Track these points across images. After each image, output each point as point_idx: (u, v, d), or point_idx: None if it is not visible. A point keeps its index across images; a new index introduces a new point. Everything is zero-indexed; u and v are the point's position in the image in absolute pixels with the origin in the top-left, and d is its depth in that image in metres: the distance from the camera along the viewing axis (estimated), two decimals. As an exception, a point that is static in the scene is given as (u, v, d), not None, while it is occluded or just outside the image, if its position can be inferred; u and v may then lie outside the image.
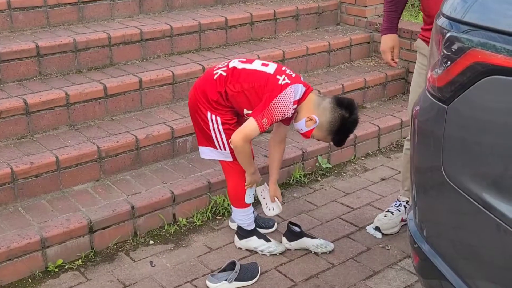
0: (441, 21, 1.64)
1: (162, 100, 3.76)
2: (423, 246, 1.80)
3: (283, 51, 4.28)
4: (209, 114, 2.79)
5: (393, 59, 3.19)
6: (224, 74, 2.76)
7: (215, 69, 2.82)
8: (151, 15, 4.41)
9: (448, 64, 1.58)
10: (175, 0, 4.55)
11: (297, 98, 2.71)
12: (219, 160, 2.93)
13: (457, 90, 1.55)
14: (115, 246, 2.97)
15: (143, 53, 4.00)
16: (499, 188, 1.45)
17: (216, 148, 2.85)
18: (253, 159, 2.88)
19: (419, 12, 5.11)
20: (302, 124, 2.77)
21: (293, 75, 2.78)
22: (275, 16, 4.65)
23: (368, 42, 4.86)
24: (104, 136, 3.33)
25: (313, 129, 2.75)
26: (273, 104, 2.65)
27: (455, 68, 1.55)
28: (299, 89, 2.72)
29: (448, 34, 1.58)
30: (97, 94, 3.48)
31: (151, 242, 3.03)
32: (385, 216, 3.16)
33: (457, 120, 1.57)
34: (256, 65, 2.80)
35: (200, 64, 3.90)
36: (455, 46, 1.56)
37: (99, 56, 3.82)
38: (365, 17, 4.92)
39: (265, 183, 3.04)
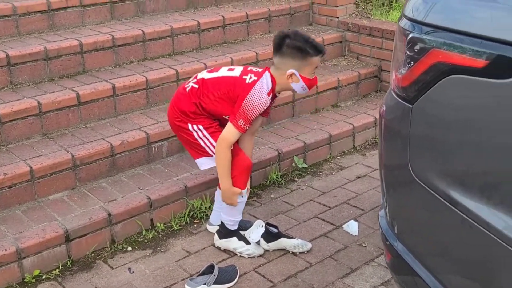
0: (403, 23, 1.68)
1: (136, 105, 3.76)
2: (394, 243, 1.83)
3: (256, 53, 4.30)
4: (189, 125, 2.87)
5: None
6: (196, 86, 2.87)
7: (186, 84, 2.94)
8: (123, 21, 4.40)
9: (411, 65, 1.62)
10: (146, 5, 4.54)
11: (270, 86, 2.80)
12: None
13: (421, 89, 1.58)
14: (92, 254, 2.96)
15: (116, 59, 3.99)
16: (464, 184, 1.49)
17: (210, 155, 2.90)
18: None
19: (389, 11, 5.17)
20: (296, 86, 2.83)
21: (260, 70, 2.87)
22: (247, 18, 4.67)
23: (341, 42, 4.90)
24: (78, 144, 3.32)
25: (301, 75, 2.79)
26: (246, 103, 2.73)
27: (418, 68, 1.58)
28: (268, 78, 2.81)
29: (410, 35, 1.62)
30: (70, 102, 3.46)
31: (129, 248, 3.03)
32: None
33: (422, 118, 1.61)
34: (223, 71, 2.89)
35: (173, 69, 3.91)
36: (417, 47, 1.59)
37: (71, 63, 3.80)
38: (337, 17, 4.96)
39: (262, 223, 3.07)
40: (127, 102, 3.71)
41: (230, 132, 2.76)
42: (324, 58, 4.77)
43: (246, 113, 2.73)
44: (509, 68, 1.34)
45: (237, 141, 2.93)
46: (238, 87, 2.78)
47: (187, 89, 2.88)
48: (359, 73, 4.60)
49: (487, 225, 1.42)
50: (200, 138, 2.87)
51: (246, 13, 4.66)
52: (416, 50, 1.60)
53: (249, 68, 2.89)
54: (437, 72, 1.52)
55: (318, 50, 2.78)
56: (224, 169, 2.82)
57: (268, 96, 2.78)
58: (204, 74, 2.90)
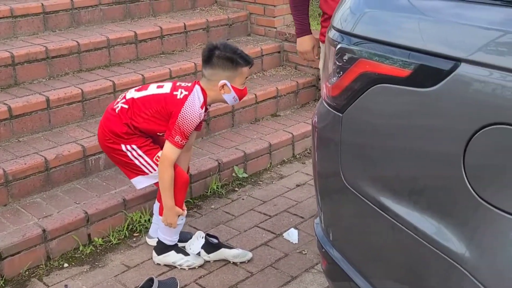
0: (332, 33, 1.72)
1: (72, 118, 3.67)
2: (330, 250, 1.85)
3: (194, 64, 4.28)
4: (123, 146, 2.83)
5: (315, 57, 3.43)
6: (126, 106, 2.83)
7: (114, 104, 2.89)
8: (57, 32, 4.30)
9: (340, 74, 1.65)
10: (82, 16, 4.46)
11: (202, 100, 2.80)
12: (155, 184, 2.92)
13: (350, 98, 1.62)
14: (27, 272, 2.86)
15: (50, 71, 3.89)
16: (393, 190, 1.53)
17: (146, 173, 2.87)
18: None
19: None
20: (227, 97, 2.84)
21: (189, 84, 2.87)
22: (185, 29, 4.66)
23: (279, 52, 4.96)
24: (10, 158, 3.21)
25: (232, 86, 2.81)
26: (180, 120, 2.73)
27: (347, 78, 1.62)
28: (199, 91, 2.81)
29: (339, 46, 1.65)
30: (2, 116, 3.34)
31: (66, 265, 2.95)
32: None
33: (351, 127, 1.64)
34: (152, 89, 2.87)
35: (110, 80, 3.85)
36: (346, 57, 1.63)
37: (2, 76, 3.67)
38: (275, 27, 5.02)
39: (202, 234, 3.06)
40: (62, 115, 3.63)
41: (169, 150, 2.75)
42: (263, 68, 4.84)
43: (182, 129, 2.73)
44: (431, 77, 1.39)
45: None
46: (169, 103, 2.78)
47: (117, 110, 2.83)
48: (297, 82, 4.66)
49: (416, 229, 1.46)
50: (135, 158, 2.84)
51: (184, 23, 4.65)
52: (344, 60, 1.63)
53: (178, 84, 2.89)
54: (364, 81, 1.56)
55: (247, 60, 2.83)
56: (167, 188, 2.80)
57: (201, 109, 2.79)
58: (133, 94, 2.87)
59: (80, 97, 3.68)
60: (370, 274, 1.71)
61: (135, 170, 2.89)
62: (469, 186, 1.30)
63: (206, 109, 2.91)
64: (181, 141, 2.74)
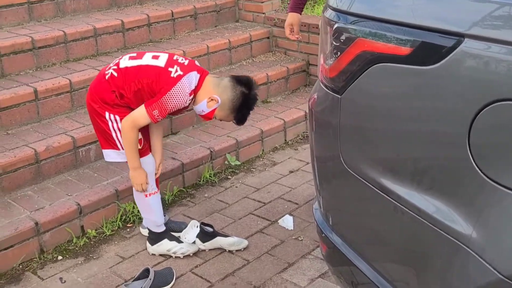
0: (329, 13, 1.67)
1: (60, 109, 3.61)
2: (329, 235, 1.83)
3: (183, 51, 4.23)
4: (107, 114, 2.72)
5: (293, 35, 3.48)
6: (116, 74, 2.70)
7: (106, 69, 2.76)
8: (43, 22, 4.22)
9: (338, 55, 1.61)
10: (67, 5, 4.38)
11: (193, 87, 2.70)
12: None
13: (349, 79, 1.58)
14: (20, 266, 2.82)
15: (37, 62, 3.82)
16: (393, 172, 1.50)
17: (118, 149, 2.78)
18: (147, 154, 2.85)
19: (314, 5, 5.22)
20: (203, 106, 2.76)
21: (186, 62, 2.75)
22: (172, 16, 4.59)
23: (268, 37, 4.91)
24: (0, 151, 3.15)
25: (215, 109, 2.76)
26: (167, 97, 2.62)
27: (345, 58, 1.58)
28: (193, 77, 2.70)
29: (336, 26, 1.61)
30: (-11, 108, 3.29)
31: (60, 257, 2.91)
32: None
33: (351, 109, 1.61)
34: (147, 59, 2.73)
35: (98, 70, 3.78)
36: (343, 37, 1.59)
37: (-12, 67, 3.61)
38: (263, 13, 4.97)
39: (197, 223, 3.03)
40: (51, 106, 3.57)
41: (141, 115, 2.64)
42: (252, 55, 4.79)
43: (164, 106, 2.63)
44: (432, 54, 1.35)
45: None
46: (162, 80, 2.65)
47: (107, 77, 2.71)
48: (287, 68, 4.62)
49: (419, 211, 1.44)
50: (114, 130, 2.73)
51: (171, 11, 4.59)
52: (342, 40, 1.59)
53: (175, 58, 2.75)
54: (363, 61, 1.52)
55: (241, 120, 2.87)
56: (132, 148, 2.71)
57: (190, 96, 2.68)
58: (127, 62, 2.73)
59: (68, 87, 3.62)
60: (372, 257, 1.68)
61: (110, 142, 2.78)
62: (475, 165, 1.27)
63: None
64: (157, 115, 2.63)
